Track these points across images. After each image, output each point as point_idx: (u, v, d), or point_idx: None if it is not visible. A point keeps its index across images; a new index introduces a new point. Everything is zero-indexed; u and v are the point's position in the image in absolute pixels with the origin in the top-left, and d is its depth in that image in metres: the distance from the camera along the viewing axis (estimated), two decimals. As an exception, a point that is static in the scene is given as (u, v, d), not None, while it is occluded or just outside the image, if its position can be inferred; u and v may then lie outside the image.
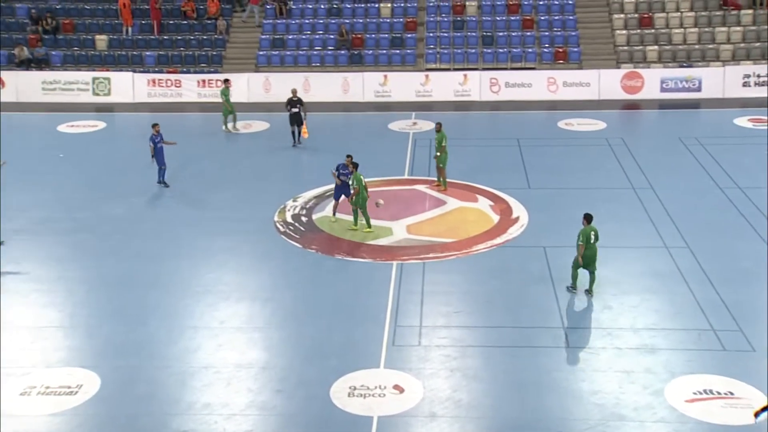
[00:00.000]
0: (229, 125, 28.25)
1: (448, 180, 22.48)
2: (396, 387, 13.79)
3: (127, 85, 32.49)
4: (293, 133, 26.59)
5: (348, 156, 20.28)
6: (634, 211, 20.86)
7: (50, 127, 29.19)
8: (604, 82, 31.66)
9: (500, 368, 14.40)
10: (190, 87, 32.29)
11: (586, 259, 16.34)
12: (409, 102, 31.53)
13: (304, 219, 20.75)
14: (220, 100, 28.49)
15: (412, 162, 24.83)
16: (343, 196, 20.19)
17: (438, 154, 22.08)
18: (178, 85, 32.35)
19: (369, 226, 19.76)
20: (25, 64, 33.42)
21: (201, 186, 23.22)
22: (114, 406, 13.46)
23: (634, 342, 15.02)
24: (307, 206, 21.51)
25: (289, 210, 21.24)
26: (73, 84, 32.64)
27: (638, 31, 33.75)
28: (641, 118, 30.67)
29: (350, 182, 19.73)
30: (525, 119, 29.79)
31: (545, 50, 33.32)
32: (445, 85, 32.09)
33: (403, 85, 32.11)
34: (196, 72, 33.21)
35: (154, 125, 22.99)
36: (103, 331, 15.77)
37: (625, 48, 33.25)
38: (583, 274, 16.56)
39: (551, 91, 31.80)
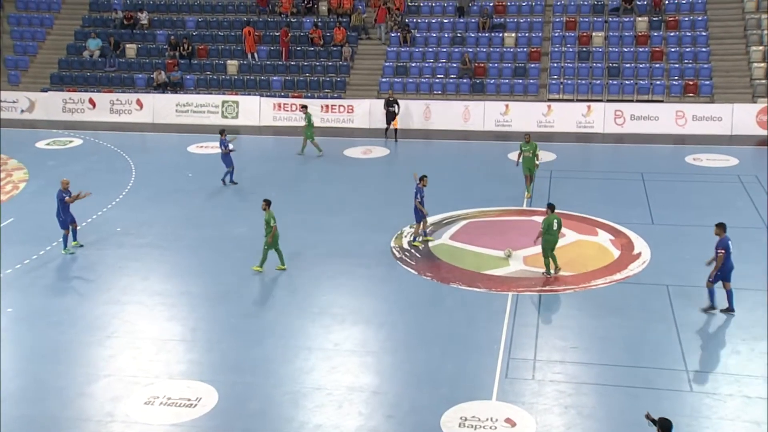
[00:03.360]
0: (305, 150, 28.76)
1: (571, 214, 22.33)
2: (508, 420, 13.53)
3: (254, 109, 33.63)
4: (387, 130, 30.74)
5: (423, 176, 20.63)
6: None
7: (181, 147, 30.51)
8: (738, 117, 30.37)
9: (617, 408, 13.91)
10: (314, 112, 32.89)
11: (550, 245, 18.41)
12: (531, 132, 30.95)
13: (420, 246, 20.77)
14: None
15: (531, 192, 24.47)
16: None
17: (538, 163, 23.81)
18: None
19: (261, 265, 19.21)
20: (162, 88, 35.17)
21: (320, 209, 23.65)
22: (229, 420, 13.78)
23: (765, 391, 14.18)
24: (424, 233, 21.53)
25: (406, 236, 21.33)
26: (203, 107, 34.06)
27: (777, 63, 32.32)
28: (778, 155, 29.16)
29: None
30: (650, 153, 28.89)
31: (674, 83, 32.30)
32: (567, 116, 31.60)
33: (525, 115, 31.84)
34: (319, 97, 34.02)
35: (222, 131, 25.60)
36: (222, 346, 16.24)
37: (763, 81, 31.81)
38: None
39: (679, 125, 30.78)
